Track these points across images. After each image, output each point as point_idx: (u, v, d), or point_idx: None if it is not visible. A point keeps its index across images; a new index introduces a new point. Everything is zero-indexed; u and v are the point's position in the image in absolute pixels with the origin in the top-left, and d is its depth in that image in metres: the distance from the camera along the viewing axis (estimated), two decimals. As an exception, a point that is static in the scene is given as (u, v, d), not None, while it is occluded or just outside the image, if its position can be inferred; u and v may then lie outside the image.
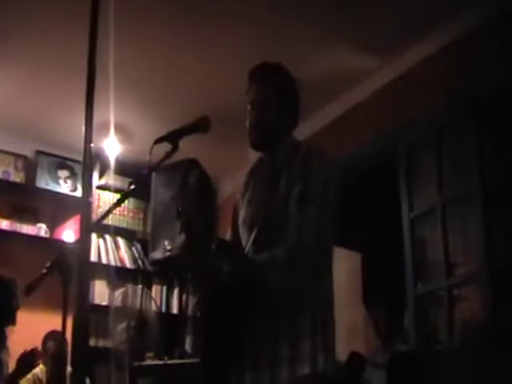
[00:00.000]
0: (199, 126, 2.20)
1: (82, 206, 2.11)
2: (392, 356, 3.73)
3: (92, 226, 2.40)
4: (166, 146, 2.14)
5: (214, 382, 2.15)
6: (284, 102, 2.28)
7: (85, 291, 2.15)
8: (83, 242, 2.10)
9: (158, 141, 2.15)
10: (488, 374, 3.10)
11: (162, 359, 4.38)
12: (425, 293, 3.76)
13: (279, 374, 2.00)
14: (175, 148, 2.14)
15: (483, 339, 3.20)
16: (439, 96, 3.87)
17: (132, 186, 2.43)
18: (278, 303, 2.06)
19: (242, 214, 2.32)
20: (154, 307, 5.35)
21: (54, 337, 4.55)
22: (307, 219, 2.05)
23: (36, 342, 4.52)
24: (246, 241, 2.23)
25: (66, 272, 1.94)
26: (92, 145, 2.16)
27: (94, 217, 5.22)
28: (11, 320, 3.95)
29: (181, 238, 2.10)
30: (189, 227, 2.12)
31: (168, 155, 2.16)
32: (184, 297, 5.79)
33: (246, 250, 2.20)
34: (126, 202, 5.83)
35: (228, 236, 2.39)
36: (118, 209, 5.74)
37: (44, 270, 1.94)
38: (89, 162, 2.25)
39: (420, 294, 3.78)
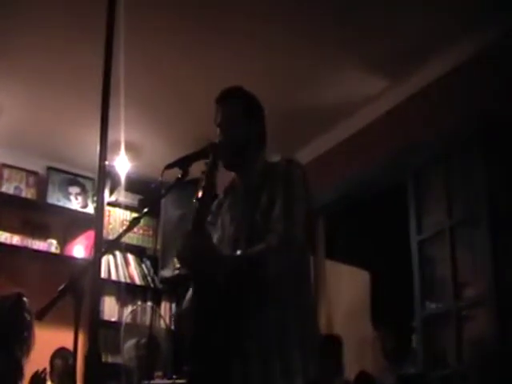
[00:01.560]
0: (209, 151, 2.29)
1: (97, 224, 2.19)
2: (400, 378, 3.77)
3: (106, 246, 2.48)
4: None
5: None
6: (248, 119, 2.39)
7: (96, 311, 2.22)
8: (96, 262, 2.19)
9: (169, 167, 2.25)
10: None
11: (170, 378, 4.45)
12: (433, 314, 3.83)
13: None
14: (185, 173, 2.24)
15: (491, 363, 3.24)
16: (448, 118, 3.94)
17: (146, 209, 2.51)
18: (267, 313, 2.10)
19: (218, 235, 2.38)
20: (163, 325, 5.43)
21: (62, 354, 4.62)
22: (293, 216, 2.15)
23: (45, 359, 4.58)
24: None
25: (78, 295, 2.01)
26: (107, 162, 2.26)
27: (105, 233, 5.31)
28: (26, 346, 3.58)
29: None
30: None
31: (178, 180, 2.27)
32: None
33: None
34: (136, 218, 5.92)
35: None
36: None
37: (56, 294, 1.99)
38: (103, 180, 2.35)
39: (428, 315, 3.84)
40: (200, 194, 2.22)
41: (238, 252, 2.20)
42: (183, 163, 2.24)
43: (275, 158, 2.42)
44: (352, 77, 4.37)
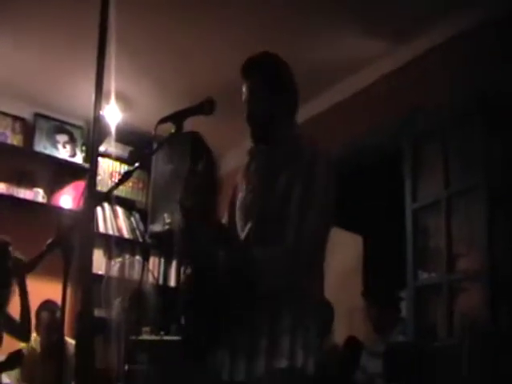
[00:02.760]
0: (203, 108, 2.25)
1: (89, 177, 2.16)
2: (389, 346, 3.82)
3: (97, 199, 2.46)
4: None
5: (193, 362, 2.21)
6: (276, 91, 2.30)
7: (88, 263, 2.22)
8: (89, 214, 2.18)
9: (162, 121, 2.17)
10: (486, 372, 3.16)
11: (158, 334, 4.50)
12: (425, 285, 3.86)
13: (256, 364, 2.06)
14: (179, 128, 2.20)
15: (482, 336, 3.28)
16: (447, 86, 3.89)
17: (137, 164, 2.48)
18: (262, 298, 2.09)
19: (239, 198, 2.35)
20: (151, 279, 5.46)
21: (49, 307, 4.65)
22: (307, 224, 2.08)
23: (31, 311, 4.62)
24: (241, 229, 2.28)
25: (68, 248, 2.02)
26: (101, 112, 2.23)
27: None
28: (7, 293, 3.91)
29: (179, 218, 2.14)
30: (187, 216, 2.13)
31: (172, 136, 2.24)
32: (182, 270, 5.90)
33: (241, 238, 2.24)
34: (126, 170, 5.91)
35: (224, 219, 2.42)
36: (117, 178, 5.83)
37: (45, 247, 1.99)
38: (98, 131, 2.32)
39: (420, 285, 3.87)
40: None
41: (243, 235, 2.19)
42: (177, 118, 2.18)
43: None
44: (351, 39, 4.33)
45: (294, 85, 2.37)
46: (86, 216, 2.15)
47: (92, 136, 2.14)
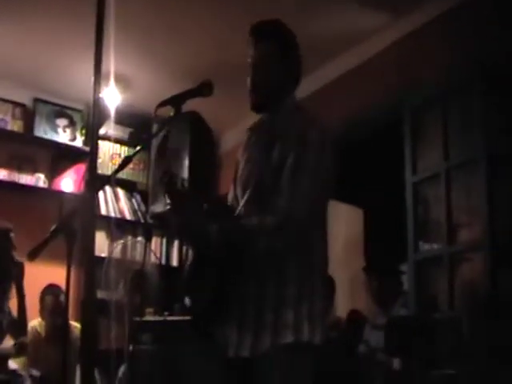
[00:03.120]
0: (202, 90, 2.30)
1: (90, 161, 2.20)
2: (391, 319, 3.88)
3: (100, 182, 2.51)
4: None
5: (200, 337, 2.25)
6: (284, 60, 2.31)
7: (91, 247, 2.27)
8: (91, 199, 2.22)
9: (161, 105, 2.21)
10: (487, 343, 3.23)
11: (161, 315, 4.56)
12: (426, 257, 3.92)
13: (262, 340, 2.09)
14: (178, 111, 2.24)
15: (484, 308, 3.34)
16: (447, 57, 3.90)
17: (138, 147, 2.52)
18: (263, 267, 2.13)
19: (238, 171, 2.39)
20: (153, 259, 5.52)
21: (52, 291, 4.72)
22: (299, 191, 2.10)
23: (34, 295, 4.69)
24: (240, 199, 2.32)
25: (71, 234, 2.07)
26: (101, 95, 2.26)
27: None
28: (9, 276, 4.04)
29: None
30: (171, 188, 2.19)
31: (171, 119, 2.28)
32: (184, 249, 5.97)
33: (239, 209, 2.28)
34: (126, 152, 5.97)
35: (230, 193, 2.46)
36: (118, 160, 5.87)
37: (48, 234, 2.04)
38: (98, 114, 2.36)
39: (421, 258, 3.93)
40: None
41: (240, 207, 2.23)
42: (176, 101, 2.21)
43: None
44: (350, 12, 4.32)
45: (300, 56, 2.39)
46: (89, 200, 2.18)
47: (92, 119, 2.17)
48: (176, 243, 6.03)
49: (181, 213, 2.21)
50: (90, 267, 2.22)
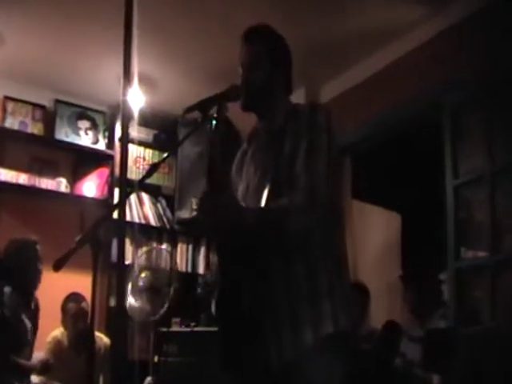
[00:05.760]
0: (229, 94, 2.35)
1: (120, 166, 2.23)
2: (429, 332, 3.85)
3: (131, 186, 2.55)
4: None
5: (232, 350, 2.28)
6: (274, 61, 2.44)
7: (121, 256, 2.29)
8: (121, 206, 2.24)
9: (188, 110, 2.32)
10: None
11: (188, 325, 4.60)
12: (467, 265, 3.89)
13: (303, 335, 2.16)
14: (205, 116, 2.29)
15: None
16: (492, 52, 3.87)
17: (165, 155, 2.55)
18: (294, 262, 2.21)
19: (243, 185, 2.46)
20: (177, 268, 5.55)
21: (74, 298, 4.80)
22: (317, 170, 2.21)
23: (56, 302, 4.78)
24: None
25: (96, 244, 2.10)
26: (127, 97, 2.29)
27: (117, 171, 5.37)
28: (36, 285, 4.26)
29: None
30: (213, 167, 2.28)
31: (199, 124, 2.33)
32: (211, 257, 6.00)
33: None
34: (150, 155, 6.01)
35: None
36: (142, 163, 5.92)
37: (74, 245, 2.07)
38: (126, 117, 2.39)
39: (462, 265, 3.90)
40: (211, 148, 2.29)
41: (262, 203, 2.25)
42: (203, 106, 2.29)
43: (299, 99, 2.47)
44: (382, 5, 4.31)
45: (287, 58, 2.52)
46: (118, 208, 2.21)
47: (121, 121, 2.20)
48: (203, 250, 6.06)
49: (219, 193, 2.24)
50: (120, 276, 2.24)
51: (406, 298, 4.45)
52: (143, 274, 5.12)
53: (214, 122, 2.29)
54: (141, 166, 5.94)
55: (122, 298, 2.22)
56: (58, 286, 4.52)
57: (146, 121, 5.71)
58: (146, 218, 5.91)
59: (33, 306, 4.29)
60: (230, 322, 2.25)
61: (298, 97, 2.71)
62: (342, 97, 5.01)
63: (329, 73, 5.08)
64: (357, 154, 5.24)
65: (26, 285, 4.25)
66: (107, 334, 4.92)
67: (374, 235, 5.93)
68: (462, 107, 4.07)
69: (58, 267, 2.05)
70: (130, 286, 5.05)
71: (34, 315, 4.28)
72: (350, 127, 4.77)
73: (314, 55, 4.74)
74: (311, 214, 2.19)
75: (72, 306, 4.82)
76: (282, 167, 2.27)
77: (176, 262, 5.50)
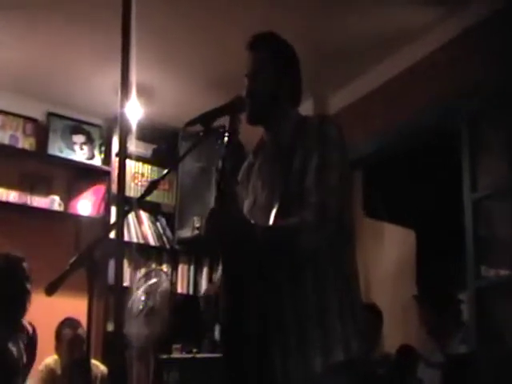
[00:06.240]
0: (233, 107, 2.34)
1: (118, 183, 2.21)
2: (449, 357, 3.81)
3: (129, 204, 2.54)
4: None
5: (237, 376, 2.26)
6: (280, 70, 2.46)
7: (119, 281, 2.26)
8: (118, 226, 2.21)
9: (189, 124, 2.32)
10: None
11: (190, 352, 4.57)
12: (489, 283, 3.86)
13: (313, 362, 2.15)
14: (208, 130, 2.29)
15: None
16: (508, 56, 3.84)
17: (166, 171, 2.55)
18: (302, 281, 2.21)
19: (250, 200, 2.48)
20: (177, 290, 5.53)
21: (70, 324, 4.76)
22: (329, 187, 2.23)
23: (49, 326, 4.73)
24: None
25: (92, 267, 2.08)
26: (125, 109, 2.28)
27: (114, 189, 5.36)
28: (23, 309, 4.03)
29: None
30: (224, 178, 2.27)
31: (201, 138, 2.32)
32: (214, 276, 5.97)
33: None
34: (149, 171, 6.00)
35: None
36: (140, 179, 5.91)
37: (68, 267, 2.05)
38: (124, 131, 2.37)
39: (483, 285, 3.86)
40: (221, 165, 2.27)
41: (271, 222, 2.25)
42: (205, 120, 2.30)
43: (306, 110, 2.47)
44: (394, 8, 4.29)
45: (296, 67, 2.53)
46: (116, 228, 2.18)
47: (119, 134, 2.19)
48: (205, 271, 6.03)
49: (228, 207, 2.25)
50: (118, 299, 2.22)
51: (423, 319, 4.42)
52: (142, 297, 5.11)
53: (226, 135, 2.28)
54: (139, 183, 5.92)
55: (119, 322, 2.20)
56: (52, 311, 4.49)
57: (144, 134, 5.71)
58: (144, 237, 5.89)
59: (27, 333, 4.20)
60: (235, 345, 2.22)
61: (305, 107, 2.70)
62: (353, 107, 5.01)
63: (338, 81, 5.07)
64: (368, 167, 5.23)
65: (13, 308, 4.05)
66: (104, 362, 4.90)
67: (387, 253, 5.91)
68: (481, 115, 4.05)
69: (51, 291, 2.03)
70: (128, 310, 5.05)
71: (29, 343, 4.20)
72: (360, 139, 4.75)
73: (322, 62, 4.73)
74: (322, 232, 2.20)
75: (67, 332, 4.78)
76: (292, 182, 2.28)
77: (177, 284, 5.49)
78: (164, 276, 5.34)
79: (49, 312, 4.41)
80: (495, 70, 3.96)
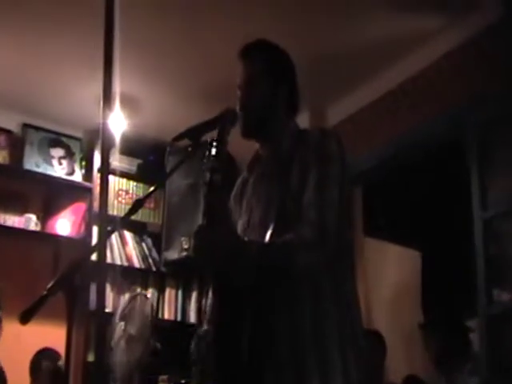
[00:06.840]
0: (224, 120, 2.34)
1: (101, 201, 2.18)
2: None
3: (112, 224, 2.51)
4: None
5: None
6: (275, 79, 2.47)
7: (101, 304, 2.23)
8: (101, 248, 2.19)
9: (178, 138, 2.34)
10: None
11: (177, 383, 4.53)
12: (502, 308, 3.84)
13: None
14: (196, 145, 2.29)
15: None
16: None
17: (152, 188, 2.53)
18: (298, 304, 2.21)
19: (244, 218, 2.48)
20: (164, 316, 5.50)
21: (49, 355, 4.71)
22: (328, 203, 2.25)
23: (26, 357, 4.69)
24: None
25: (72, 292, 2.06)
26: (107, 121, 2.26)
27: (96, 207, 5.35)
28: None
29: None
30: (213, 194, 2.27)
31: (189, 153, 2.31)
32: (204, 303, 5.94)
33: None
34: (135, 188, 5.99)
35: None
36: (124, 196, 5.89)
37: (45, 292, 2.02)
38: (107, 145, 2.35)
39: (495, 312, 3.85)
40: (209, 178, 2.29)
41: (266, 240, 2.26)
42: (193, 134, 2.31)
43: (303, 122, 2.47)
44: (396, 14, 4.31)
45: (294, 79, 2.54)
46: (98, 248, 2.15)
47: (101, 148, 2.17)
48: (194, 295, 6.01)
49: (217, 222, 2.25)
50: (100, 326, 2.18)
51: (429, 348, 4.40)
52: (126, 324, 5.09)
53: (213, 144, 2.28)
54: (123, 201, 5.91)
55: (102, 351, 2.16)
56: (26, 341, 4.46)
57: (129, 148, 5.71)
58: (129, 259, 5.87)
59: None
60: (228, 374, 2.21)
61: (302, 119, 2.69)
62: (353, 118, 5.01)
63: (336, 91, 5.08)
64: (369, 182, 5.22)
65: None
66: (85, 396, 4.86)
67: (389, 276, 5.90)
68: (489, 125, 4.06)
69: (26, 319, 1.99)
70: (111, 338, 5.02)
71: None
72: (361, 153, 4.76)
73: (320, 72, 4.74)
74: (321, 248, 2.21)
75: (47, 365, 4.73)
76: (289, 200, 2.29)
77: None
78: (150, 300, 5.33)
79: (23, 342, 4.38)
80: (503, 78, 3.97)
